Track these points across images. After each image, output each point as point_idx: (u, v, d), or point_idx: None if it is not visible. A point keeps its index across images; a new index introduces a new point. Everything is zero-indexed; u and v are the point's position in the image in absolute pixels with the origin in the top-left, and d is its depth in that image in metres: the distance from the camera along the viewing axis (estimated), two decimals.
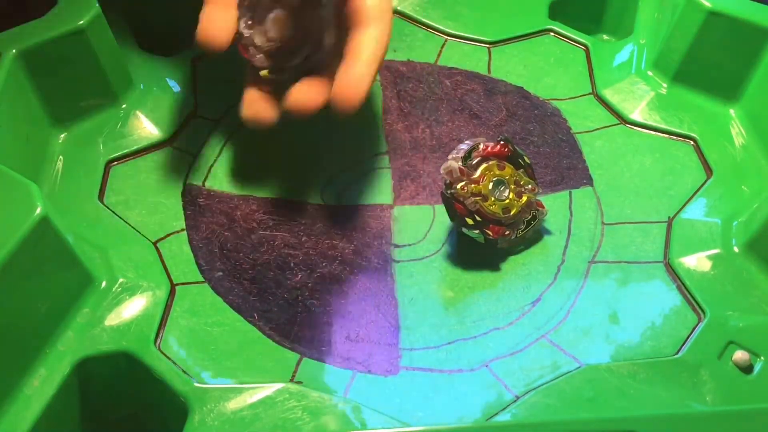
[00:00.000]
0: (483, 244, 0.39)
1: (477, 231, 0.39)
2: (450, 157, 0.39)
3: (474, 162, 0.39)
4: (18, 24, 0.41)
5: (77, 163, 0.42)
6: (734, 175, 0.43)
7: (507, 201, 0.39)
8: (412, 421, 0.34)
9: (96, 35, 0.42)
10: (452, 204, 0.39)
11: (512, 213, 0.39)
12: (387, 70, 0.49)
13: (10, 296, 0.32)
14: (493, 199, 0.39)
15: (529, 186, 0.40)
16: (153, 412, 0.36)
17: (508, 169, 0.40)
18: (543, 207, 0.41)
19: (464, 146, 0.39)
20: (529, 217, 0.40)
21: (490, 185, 0.39)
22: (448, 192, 0.38)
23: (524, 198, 0.40)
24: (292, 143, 0.45)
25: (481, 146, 0.39)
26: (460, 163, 0.38)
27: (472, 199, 0.38)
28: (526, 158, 0.41)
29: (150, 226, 0.40)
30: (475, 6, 0.52)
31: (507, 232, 0.40)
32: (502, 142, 0.40)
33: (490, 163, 0.39)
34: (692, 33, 0.44)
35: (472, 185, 0.38)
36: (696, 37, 0.44)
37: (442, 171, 0.39)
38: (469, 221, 0.39)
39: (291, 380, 0.35)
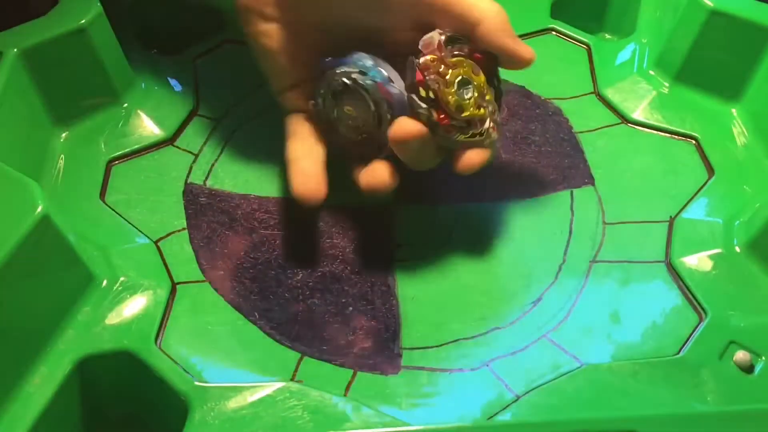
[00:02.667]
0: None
1: (425, 107, 0.36)
2: (437, 31, 0.37)
3: (455, 51, 0.37)
4: (19, 23, 0.41)
5: (78, 162, 0.42)
6: (736, 175, 0.43)
7: (464, 102, 0.36)
8: (412, 421, 0.33)
9: (98, 34, 0.42)
10: (414, 70, 0.36)
11: (463, 115, 0.36)
12: None
13: (11, 295, 0.32)
14: (453, 90, 0.36)
15: (490, 107, 0.37)
16: (154, 411, 0.36)
17: (482, 78, 0.37)
18: (495, 131, 0.38)
19: (452, 34, 0.37)
20: (477, 131, 0.37)
21: (458, 78, 0.36)
22: (417, 58, 0.36)
23: (482, 111, 0.37)
24: None
25: (466, 47, 0.37)
26: (442, 38, 0.36)
27: (435, 77, 0.36)
28: (499, 84, 0.38)
29: (151, 225, 0.40)
30: None
31: (451, 128, 0.36)
32: (488, 53, 0.37)
33: (469, 62, 0.37)
34: (694, 32, 0.44)
35: (442, 65, 0.36)
36: (698, 37, 0.44)
37: (421, 41, 0.37)
38: (422, 92, 0.36)
39: (291, 379, 0.35)
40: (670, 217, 0.41)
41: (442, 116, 0.36)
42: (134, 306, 0.36)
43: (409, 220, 0.42)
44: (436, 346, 0.37)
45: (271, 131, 0.44)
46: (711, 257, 0.39)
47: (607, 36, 0.55)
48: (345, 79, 0.37)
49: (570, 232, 0.41)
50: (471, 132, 0.37)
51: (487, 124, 0.37)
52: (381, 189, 0.37)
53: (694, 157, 0.44)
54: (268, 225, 0.41)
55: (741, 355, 0.34)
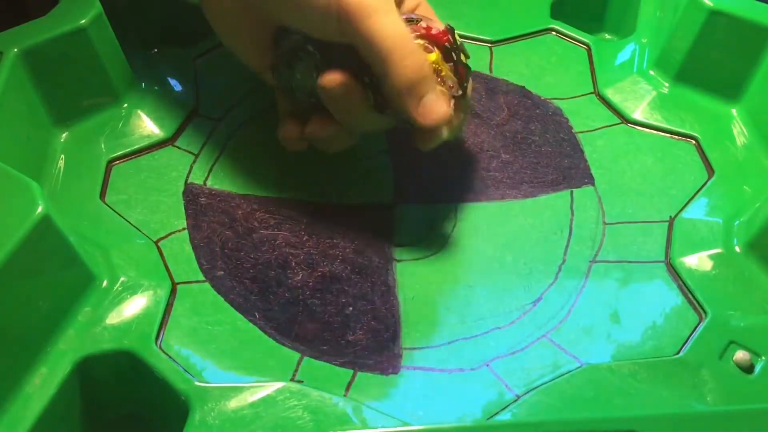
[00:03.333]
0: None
1: (369, 93, 0.37)
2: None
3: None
4: (18, 24, 0.41)
5: (79, 162, 0.42)
6: (736, 175, 0.43)
7: None
8: (412, 421, 0.34)
9: (97, 34, 0.42)
10: (356, 58, 0.37)
11: None
12: None
13: (12, 295, 0.32)
14: None
15: (449, 82, 0.38)
16: (154, 411, 0.36)
17: (435, 55, 0.37)
18: (452, 105, 0.38)
19: (407, 16, 0.38)
20: None
21: None
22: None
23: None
24: None
25: (423, 24, 0.38)
26: None
27: None
28: (464, 56, 0.38)
29: (151, 225, 0.40)
30: (477, 5, 0.52)
31: (393, 109, 0.37)
32: (444, 29, 0.38)
33: (418, 42, 0.37)
34: (694, 32, 0.44)
35: None
36: (698, 37, 0.44)
37: None
38: (366, 79, 0.37)
39: (292, 379, 0.35)
40: (670, 216, 0.41)
41: (384, 98, 0.37)
42: (134, 306, 0.36)
43: (409, 220, 0.42)
44: (436, 346, 0.37)
45: (271, 131, 0.44)
46: (711, 257, 0.39)
47: (607, 36, 0.55)
48: (293, 45, 0.39)
49: (570, 232, 0.41)
50: None
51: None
52: (322, 134, 0.40)
53: (694, 157, 0.44)
54: (269, 225, 0.41)
55: (741, 355, 0.34)
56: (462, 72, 0.38)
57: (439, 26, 0.38)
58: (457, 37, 0.38)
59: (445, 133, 0.38)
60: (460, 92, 0.38)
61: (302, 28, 0.38)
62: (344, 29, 0.36)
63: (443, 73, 0.37)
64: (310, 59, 0.39)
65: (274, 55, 0.41)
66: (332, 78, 0.37)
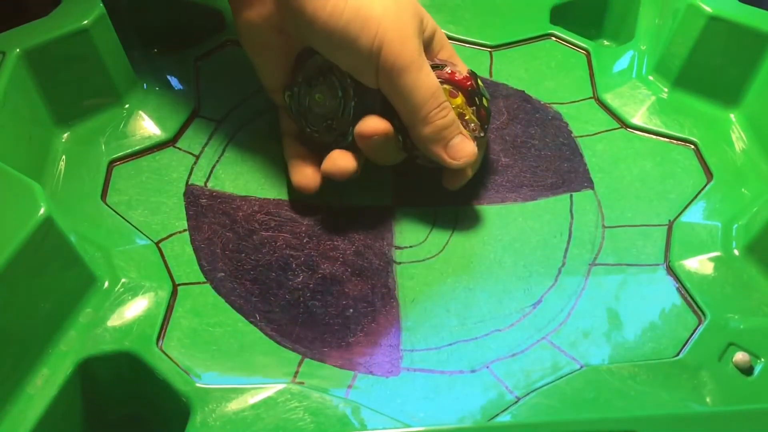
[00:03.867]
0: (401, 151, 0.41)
1: (399, 135, 0.40)
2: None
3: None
4: (19, 24, 0.41)
5: (80, 163, 0.42)
6: (734, 179, 0.43)
7: None
8: (412, 422, 0.34)
9: (100, 35, 0.42)
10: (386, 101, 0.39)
11: None
12: None
13: (14, 296, 0.32)
14: None
15: (472, 125, 0.40)
16: (155, 412, 0.36)
17: (459, 99, 0.40)
18: (478, 148, 0.40)
19: (433, 62, 0.40)
20: None
21: None
22: None
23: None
24: None
25: (448, 69, 0.40)
26: None
27: None
28: (485, 100, 0.41)
29: (152, 226, 0.40)
30: (477, 10, 0.52)
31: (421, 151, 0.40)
32: (467, 74, 0.40)
33: (444, 86, 0.39)
34: (693, 38, 0.44)
35: None
36: (697, 42, 0.44)
37: None
38: (396, 122, 0.40)
39: (292, 381, 0.35)
40: (669, 220, 0.42)
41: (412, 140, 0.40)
42: (135, 307, 0.36)
43: (409, 222, 0.42)
44: (436, 348, 0.37)
45: (272, 133, 0.45)
46: (710, 260, 0.39)
47: (606, 42, 0.55)
48: (320, 64, 0.40)
49: (570, 235, 0.42)
50: None
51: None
52: (339, 175, 0.40)
53: (693, 162, 0.44)
54: (269, 227, 0.41)
55: (740, 357, 0.35)
56: (483, 114, 0.41)
57: (462, 71, 0.41)
58: (480, 82, 0.41)
59: (469, 172, 0.42)
60: (482, 134, 0.41)
61: (341, 67, 0.39)
62: (381, 81, 0.38)
63: (467, 117, 0.40)
64: (336, 80, 0.40)
65: (292, 75, 0.41)
66: (371, 127, 0.39)
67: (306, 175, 0.41)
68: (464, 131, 0.40)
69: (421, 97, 0.38)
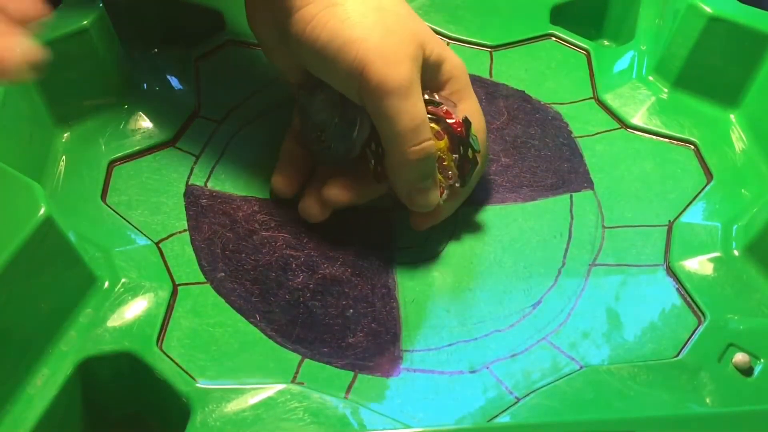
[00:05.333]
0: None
1: (372, 160, 0.39)
2: None
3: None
4: None
5: (80, 163, 0.42)
6: (734, 180, 0.43)
7: None
8: (412, 423, 0.34)
9: (99, 35, 0.42)
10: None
11: None
12: None
13: (14, 296, 0.32)
14: None
15: (449, 172, 0.39)
16: (155, 413, 0.36)
17: (443, 143, 0.38)
18: (442, 194, 0.39)
19: (429, 96, 0.38)
20: None
21: None
22: None
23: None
24: None
25: (444, 108, 0.39)
26: None
27: None
28: (471, 152, 0.39)
29: (152, 227, 0.40)
30: (477, 10, 0.52)
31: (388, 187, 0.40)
32: (461, 120, 0.39)
33: (431, 125, 0.38)
34: (693, 38, 0.45)
35: None
36: (697, 43, 0.45)
37: None
38: (373, 146, 0.39)
39: (292, 381, 0.35)
40: (669, 221, 0.42)
41: (386, 176, 0.39)
42: (136, 308, 0.36)
43: (409, 222, 0.42)
44: (436, 349, 0.37)
45: (272, 133, 0.44)
46: (710, 261, 0.39)
47: (606, 43, 0.55)
48: (325, 94, 0.39)
49: (569, 236, 0.42)
50: None
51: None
52: (310, 220, 0.41)
53: (693, 162, 0.44)
54: (269, 227, 0.41)
55: (740, 358, 0.35)
56: (466, 166, 0.39)
57: (458, 115, 0.39)
58: (472, 132, 0.39)
59: (438, 217, 0.40)
60: (458, 184, 0.40)
61: (328, 82, 0.39)
62: (365, 103, 0.37)
63: (445, 163, 0.39)
64: (332, 96, 0.39)
65: (304, 76, 0.41)
66: (335, 194, 0.39)
67: (281, 180, 0.42)
68: (439, 176, 0.39)
69: (402, 127, 0.36)
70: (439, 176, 0.39)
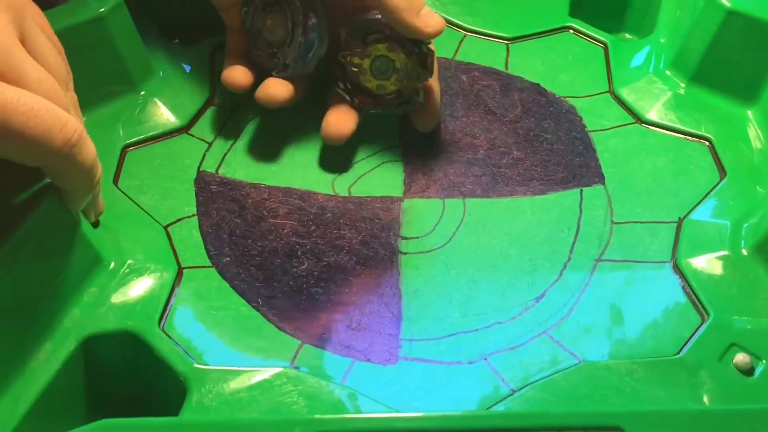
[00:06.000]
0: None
1: (348, 97, 0.43)
2: (342, 29, 0.42)
3: (370, 36, 0.42)
4: None
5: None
6: (748, 177, 0.42)
7: (384, 81, 0.43)
8: (406, 410, 0.34)
9: (116, 23, 0.43)
10: (334, 65, 0.43)
11: (385, 91, 0.43)
12: None
13: (20, 272, 0.33)
14: (370, 75, 0.42)
15: (415, 74, 0.42)
16: (155, 391, 0.37)
17: (400, 52, 0.42)
18: (418, 95, 0.43)
19: (369, 17, 0.42)
20: (403, 100, 0.43)
21: (374, 63, 0.42)
22: (338, 54, 0.43)
23: (404, 83, 0.43)
24: (306, 133, 0.45)
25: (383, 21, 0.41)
26: (348, 35, 0.42)
27: (352, 69, 0.42)
28: (425, 47, 0.42)
29: (162, 211, 0.41)
30: (495, 2, 0.52)
31: (374, 106, 0.44)
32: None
33: (385, 43, 0.42)
34: (711, 32, 0.44)
35: (355, 57, 0.42)
36: (715, 37, 0.44)
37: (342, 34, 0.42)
38: (341, 85, 0.43)
39: (290, 365, 0.35)
40: (679, 218, 0.41)
41: (363, 99, 0.43)
42: (140, 288, 0.37)
43: (417, 213, 0.42)
44: (436, 339, 0.37)
45: (284, 121, 0.45)
46: (717, 259, 0.38)
47: (628, 36, 0.54)
48: (279, 13, 0.42)
49: (577, 230, 0.41)
50: (399, 102, 0.43)
51: (411, 91, 0.43)
52: (271, 103, 0.42)
53: (707, 159, 0.44)
54: (277, 214, 0.42)
55: (741, 358, 0.34)
56: (427, 60, 0.42)
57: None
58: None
59: (434, 118, 0.44)
60: (430, 78, 0.43)
61: None
62: None
63: (409, 68, 0.42)
64: (288, 12, 0.41)
65: None
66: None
67: (237, 73, 0.43)
68: (412, 83, 0.42)
69: None
70: (412, 83, 0.42)
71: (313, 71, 0.43)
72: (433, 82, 0.44)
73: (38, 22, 0.33)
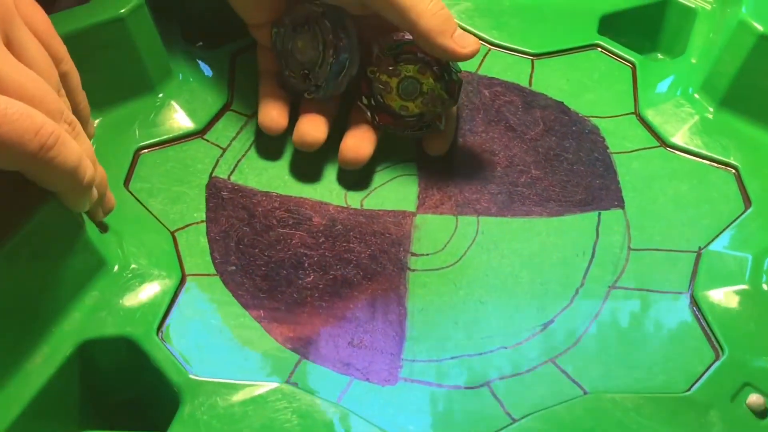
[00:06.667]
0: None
1: (369, 113, 0.43)
2: (375, 44, 0.42)
3: (402, 56, 0.41)
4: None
5: (107, 148, 0.43)
6: None
7: (409, 102, 0.42)
8: None
9: (136, 24, 0.43)
10: (361, 79, 0.42)
11: (407, 113, 0.42)
12: None
13: (22, 273, 0.33)
14: (395, 94, 0.42)
15: (440, 100, 0.42)
16: (150, 400, 0.37)
17: (429, 76, 0.41)
18: (440, 122, 0.43)
19: (400, 37, 0.41)
20: (424, 124, 0.43)
21: (402, 83, 0.42)
22: (367, 69, 0.42)
23: (427, 108, 0.42)
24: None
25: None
26: (378, 50, 0.41)
27: (378, 85, 0.42)
28: (455, 75, 0.42)
29: (170, 216, 0.41)
30: (523, 17, 0.51)
31: (395, 126, 0.43)
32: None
33: (416, 65, 0.41)
34: (742, 57, 0.42)
35: (384, 74, 0.42)
36: (746, 61, 0.42)
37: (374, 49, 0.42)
38: (365, 100, 0.43)
39: (287, 381, 0.35)
40: (699, 247, 0.39)
41: (385, 117, 0.43)
42: (141, 294, 0.36)
43: (429, 229, 0.41)
44: (438, 361, 0.36)
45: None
46: (736, 293, 0.37)
47: (660, 56, 0.53)
48: (308, 12, 0.41)
49: (592, 255, 0.40)
50: (420, 126, 0.43)
51: (433, 116, 0.43)
52: (307, 148, 0.42)
53: (732, 187, 0.42)
54: (287, 224, 0.41)
55: (755, 399, 0.32)
56: (454, 88, 0.42)
57: None
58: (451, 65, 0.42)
59: (447, 142, 0.44)
60: (453, 106, 0.43)
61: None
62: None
63: (436, 93, 0.42)
64: (319, 32, 0.41)
65: (281, 13, 0.43)
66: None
67: (272, 117, 0.43)
68: (435, 108, 0.42)
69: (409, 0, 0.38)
70: (436, 108, 0.42)
71: (345, 90, 0.43)
72: (454, 111, 0.44)
73: (33, 23, 0.33)
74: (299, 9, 0.42)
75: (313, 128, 0.42)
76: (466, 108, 0.47)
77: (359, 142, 0.42)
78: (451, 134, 0.44)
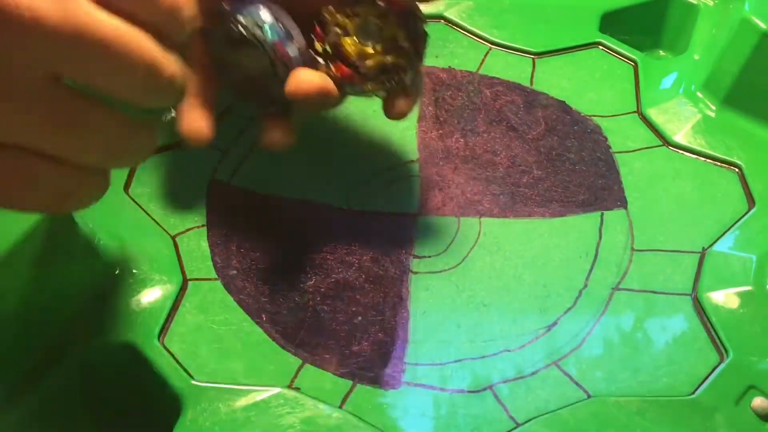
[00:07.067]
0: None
1: (323, 62, 0.35)
2: None
3: (362, 1, 0.35)
4: None
5: None
6: None
7: (369, 50, 0.35)
8: None
9: None
10: (315, 23, 0.35)
11: (366, 63, 0.35)
12: (426, 76, 0.48)
13: (23, 280, 0.32)
14: (354, 39, 0.35)
15: (402, 51, 0.35)
16: (152, 406, 0.36)
17: (393, 25, 0.35)
18: (405, 74, 0.36)
19: None
20: (386, 78, 0.36)
21: (362, 24, 0.35)
22: (323, 10, 0.35)
23: (389, 58, 0.35)
24: (322, 145, 0.44)
25: None
26: None
27: (335, 27, 0.35)
28: (420, 25, 0.35)
29: (171, 220, 0.41)
30: (524, 16, 0.51)
31: (352, 80, 0.35)
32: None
33: (377, 8, 0.35)
34: (745, 55, 0.42)
35: (341, 15, 0.35)
36: (749, 59, 0.42)
37: None
38: (318, 46, 0.35)
39: (289, 386, 0.35)
40: (703, 248, 0.39)
41: (342, 69, 0.35)
42: (142, 299, 0.36)
43: (431, 231, 0.41)
44: (441, 364, 0.36)
45: (300, 134, 0.44)
46: (739, 295, 0.37)
47: (662, 53, 0.53)
48: (243, 31, 0.34)
49: (595, 256, 0.40)
50: (382, 80, 0.36)
51: (396, 71, 0.35)
52: (279, 148, 0.36)
53: (736, 187, 0.42)
54: (288, 227, 0.41)
55: (759, 402, 0.32)
56: (418, 46, 0.36)
57: None
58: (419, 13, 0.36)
59: (412, 103, 0.37)
60: (417, 61, 0.36)
61: None
62: None
63: (399, 41, 0.35)
64: (256, 48, 0.35)
65: (213, 24, 0.35)
66: (301, 88, 0.34)
67: (280, 133, 0.37)
68: (399, 60, 0.35)
69: None
70: (399, 59, 0.35)
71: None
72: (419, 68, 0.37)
73: None
74: (228, 23, 0.35)
75: (279, 135, 0.37)
76: (467, 108, 0.46)
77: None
78: (417, 95, 0.38)
